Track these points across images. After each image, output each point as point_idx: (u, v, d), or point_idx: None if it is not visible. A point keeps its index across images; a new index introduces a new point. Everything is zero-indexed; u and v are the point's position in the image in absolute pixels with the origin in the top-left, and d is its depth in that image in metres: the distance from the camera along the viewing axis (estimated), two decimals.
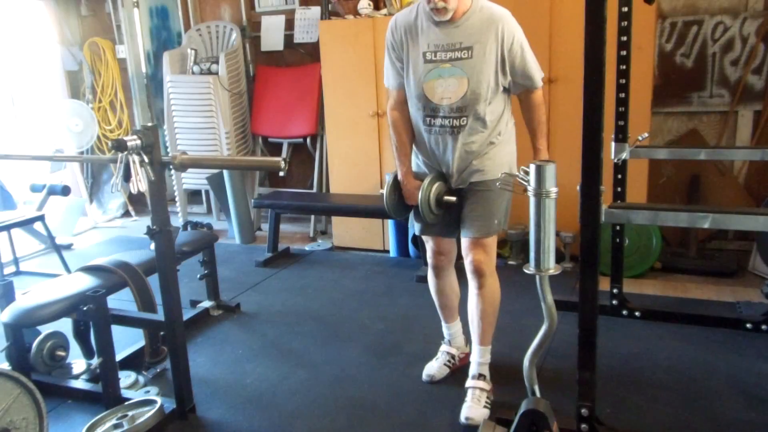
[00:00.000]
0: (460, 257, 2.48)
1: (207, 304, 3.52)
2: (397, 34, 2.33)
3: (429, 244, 2.55)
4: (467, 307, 2.44)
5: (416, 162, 2.49)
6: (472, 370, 2.41)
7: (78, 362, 2.87)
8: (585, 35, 1.78)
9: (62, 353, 2.83)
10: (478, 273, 2.33)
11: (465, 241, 2.36)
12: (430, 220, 2.35)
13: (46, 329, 2.77)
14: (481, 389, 2.35)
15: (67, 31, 5.68)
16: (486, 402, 2.34)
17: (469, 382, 2.38)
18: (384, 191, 2.46)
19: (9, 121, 5.56)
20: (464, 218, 2.37)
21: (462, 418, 2.30)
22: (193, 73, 4.97)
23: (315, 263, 4.38)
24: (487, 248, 2.34)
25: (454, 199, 2.34)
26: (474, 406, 2.31)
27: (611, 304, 3.13)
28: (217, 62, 4.88)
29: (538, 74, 2.29)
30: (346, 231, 4.59)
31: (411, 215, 2.53)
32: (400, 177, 2.44)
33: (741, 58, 3.86)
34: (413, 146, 2.47)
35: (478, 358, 2.39)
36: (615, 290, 3.13)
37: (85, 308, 2.46)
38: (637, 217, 2.05)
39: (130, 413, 2.37)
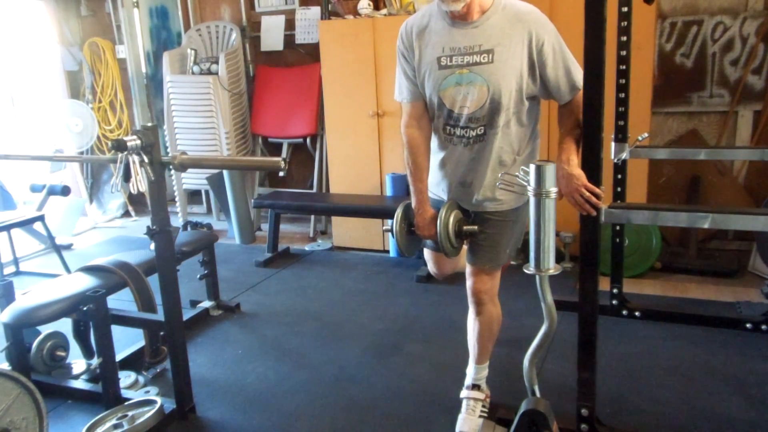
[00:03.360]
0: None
1: (207, 304, 3.52)
2: (407, 40, 2.07)
3: (429, 256, 2.44)
4: (466, 324, 2.37)
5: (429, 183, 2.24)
6: (467, 381, 2.37)
7: (78, 362, 2.87)
8: (585, 35, 1.79)
9: (62, 353, 2.84)
10: (478, 301, 2.22)
11: (469, 267, 2.22)
12: (450, 253, 2.12)
13: (46, 329, 2.78)
14: (476, 399, 2.32)
15: (67, 31, 5.68)
16: (482, 411, 2.31)
17: (463, 393, 2.35)
18: (393, 225, 2.15)
19: (9, 121, 5.56)
20: (473, 243, 2.19)
21: (457, 431, 2.29)
22: (193, 73, 4.97)
23: (315, 263, 4.38)
24: (491, 277, 2.20)
25: (476, 228, 2.11)
26: (468, 418, 2.29)
27: (611, 304, 3.14)
28: (217, 62, 4.88)
29: (575, 80, 1.97)
30: (346, 231, 4.59)
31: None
32: (414, 205, 2.15)
33: (741, 58, 3.86)
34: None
35: (474, 374, 2.35)
36: (615, 290, 3.13)
37: (85, 308, 2.46)
38: (637, 217, 2.05)
39: (130, 413, 2.37)
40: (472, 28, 1.95)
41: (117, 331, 2.58)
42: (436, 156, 2.21)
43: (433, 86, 2.04)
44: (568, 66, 1.97)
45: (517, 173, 1.81)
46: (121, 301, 2.93)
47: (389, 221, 2.15)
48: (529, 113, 2.06)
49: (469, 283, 2.23)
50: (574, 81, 1.98)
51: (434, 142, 2.19)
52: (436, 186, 2.26)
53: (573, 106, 2.01)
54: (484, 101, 1.99)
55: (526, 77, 1.97)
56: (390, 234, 2.18)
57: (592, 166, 1.88)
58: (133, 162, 2.17)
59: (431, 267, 2.49)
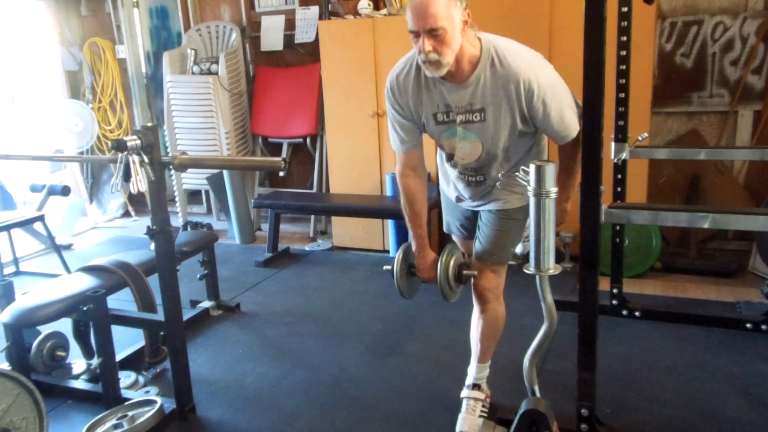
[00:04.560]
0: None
1: (207, 304, 3.52)
2: (399, 97, 2.03)
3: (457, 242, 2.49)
4: (468, 324, 2.38)
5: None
6: (468, 380, 2.37)
7: (78, 362, 2.87)
8: (585, 35, 1.78)
9: (62, 353, 2.84)
10: (483, 299, 2.23)
11: (475, 263, 2.22)
12: (449, 297, 2.16)
13: (46, 329, 2.77)
14: (476, 399, 2.31)
15: (67, 31, 5.68)
16: (482, 411, 2.31)
17: (464, 392, 2.35)
18: (393, 266, 2.17)
19: (9, 121, 5.56)
20: (478, 238, 2.21)
21: (457, 431, 2.29)
22: (193, 73, 4.97)
23: (315, 263, 4.37)
24: (497, 274, 2.21)
25: (475, 272, 2.15)
26: (469, 418, 2.29)
27: (611, 304, 3.13)
28: (217, 62, 4.88)
29: (568, 128, 1.93)
30: (346, 231, 4.59)
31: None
32: (414, 249, 2.18)
33: (741, 58, 3.86)
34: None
35: (475, 373, 2.35)
36: (615, 290, 3.12)
37: (85, 308, 2.46)
38: (637, 217, 2.05)
39: (130, 413, 2.37)
40: (463, 89, 1.92)
41: (117, 331, 2.58)
42: (443, 166, 2.25)
43: (433, 134, 2.06)
44: (562, 115, 1.91)
45: (517, 173, 1.81)
46: (121, 301, 2.93)
47: (390, 265, 2.18)
48: (524, 144, 2.06)
49: (474, 281, 2.23)
50: (567, 131, 1.94)
51: (442, 158, 2.22)
52: (446, 187, 2.30)
53: (570, 145, 2.00)
54: (479, 154, 2.02)
55: (520, 127, 1.94)
56: (390, 274, 2.20)
57: (592, 166, 1.88)
58: (133, 162, 2.17)
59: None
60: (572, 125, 1.93)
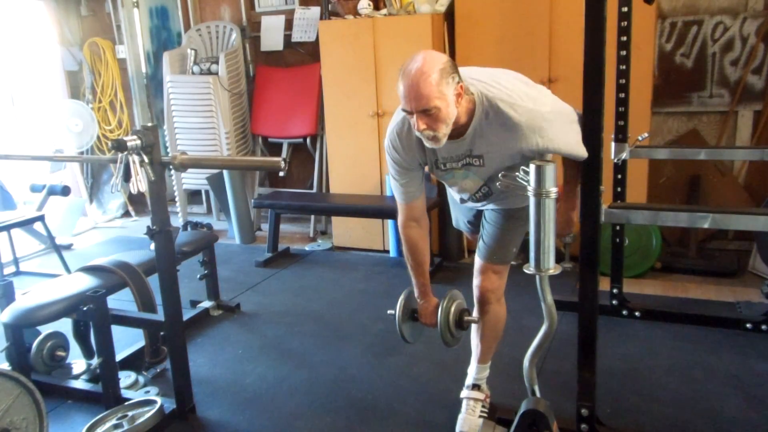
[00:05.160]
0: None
1: (207, 304, 3.52)
2: (400, 153, 2.01)
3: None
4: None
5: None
6: (468, 381, 2.37)
7: (78, 362, 2.87)
8: (585, 35, 1.78)
9: (62, 353, 2.84)
10: (484, 300, 2.23)
11: (478, 262, 2.23)
12: (450, 343, 2.16)
13: (46, 329, 2.77)
14: (476, 399, 2.32)
15: (67, 31, 5.68)
16: (482, 411, 2.31)
17: (463, 393, 2.35)
18: (396, 312, 2.17)
19: (9, 121, 5.56)
20: (482, 237, 2.22)
21: (457, 431, 2.29)
22: (193, 73, 4.97)
23: (315, 263, 4.37)
24: (499, 275, 2.21)
25: (476, 318, 2.20)
26: (468, 418, 2.29)
27: (611, 304, 3.13)
28: (217, 62, 4.87)
29: (580, 152, 1.87)
30: (346, 231, 4.59)
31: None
32: (417, 295, 2.20)
33: (741, 58, 3.86)
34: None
35: (475, 373, 2.35)
36: (615, 290, 3.13)
37: (85, 308, 2.46)
38: (637, 217, 2.05)
39: (130, 413, 2.37)
40: (460, 141, 1.91)
41: (117, 331, 2.58)
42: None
43: (436, 176, 2.10)
44: (570, 146, 1.86)
45: (517, 173, 1.81)
46: (121, 301, 2.93)
47: (393, 310, 2.19)
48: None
49: (476, 281, 2.24)
50: (578, 155, 1.88)
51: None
52: (452, 190, 2.29)
53: (569, 164, 2.02)
54: (479, 186, 2.06)
55: (523, 163, 1.84)
56: (394, 318, 2.20)
57: (592, 166, 1.88)
58: (133, 162, 2.17)
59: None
60: (581, 150, 1.86)
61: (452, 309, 2.13)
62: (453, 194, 2.31)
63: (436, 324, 2.12)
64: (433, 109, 1.73)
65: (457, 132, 1.87)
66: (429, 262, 2.22)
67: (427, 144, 1.86)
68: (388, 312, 2.21)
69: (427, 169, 2.09)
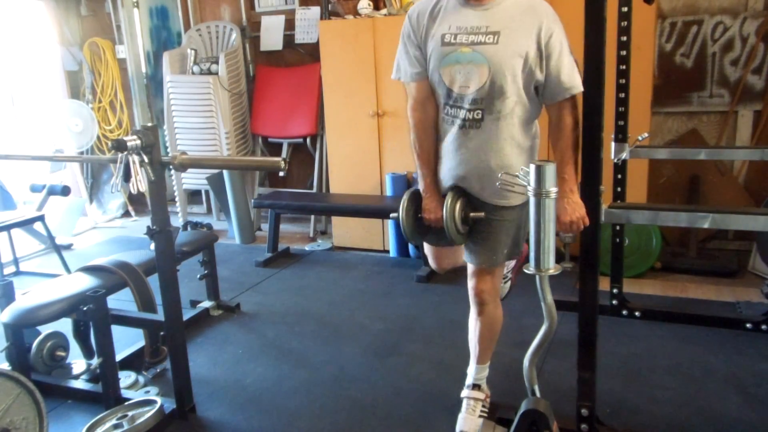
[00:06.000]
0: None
1: (207, 304, 3.52)
2: (416, 21, 2.04)
3: (429, 251, 2.41)
4: (467, 324, 2.36)
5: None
6: (468, 381, 2.37)
7: (78, 362, 2.87)
8: (585, 35, 1.79)
9: (62, 353, 2.84)
10: (480, 301, 2.21)
11: (470, 267, 2.20)
12: (456, 240, 2.10)
13: (46, 329, 2.77)
14: (476, 399, 2.31)
15: (67, 31, 5.68)
16: (482, 411, 2.31)
17: (464, 392, 2.35)
18: (400, 211, 2.12)
19: (9, 121, 5.56)
20: (470, 242, 2.16)
21: (457, 431, 2.29)
22: (193, 73, 4.97)
23: (315, 263, 4.38)
24: (492, 277, 2.19)
25: (482, 214, 2.09)
26: (468, 418, 2.29)
27: (611, 304, 3.14)
28: (217, 62, 4.88)
29: (574, 80, 1.92)
30: (346, 231, 4.59)
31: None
32: (422, 188, 2.14)
33: (741, 58, 3.86)
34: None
35: (474, 374, 2.35)
36: (615, 290, 3.13)
37: (85, 308, 2.46)
38: (637, 217, 2.05)
39: (130, 413, 2.37)
40: (483, 10, 1.94)
41: (117, 331, 2.58)
42: (441, 137, 2.15)
43: (435, 63, 2.02)
44: (572, 65, 1.94)
45: (517, 173, 1.81)
46: (121, 301, 2.93)
47: (396, 213, 2.14)
48: (530, 105, 2.01)
49: (471, 283, 2.22)
50: (574, 82, 1.93)
51: (439, 124, 2.14)
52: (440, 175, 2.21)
53: (562, 119, 1.97)
54: (484, 82, 1.95)
55: (532, 63, 1.93)
56: (397, 220, 2.15)
57: (592, 166, 1.88)
58: (133, 162, 2.17)
59: (432, 262, 2.47)
60: (578, 78, 1.93)
61: (458, 204, 2.06)
62: (444, 128, 2.11)
63: (441, 219, 2.07)
64: None
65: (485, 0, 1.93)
66: (435, 152, 2.14)
67: None
68: (391, 215, 2.17)
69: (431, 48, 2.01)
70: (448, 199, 2.06)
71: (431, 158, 2.13)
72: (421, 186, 2.15)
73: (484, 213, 2.11)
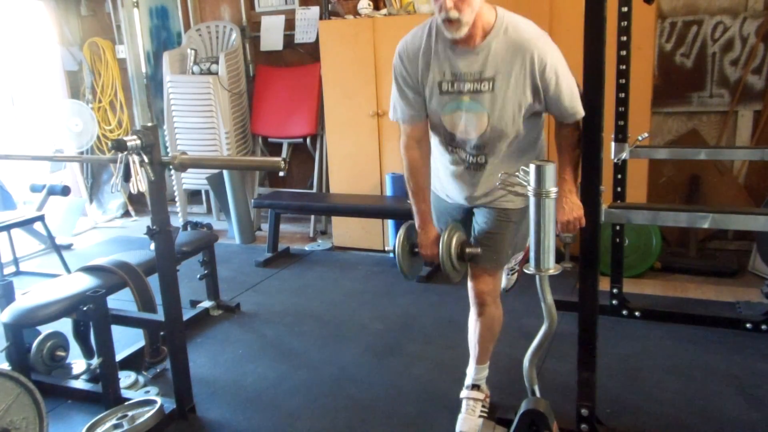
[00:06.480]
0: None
1: (207, 304, 3.52)
2: (407, 63, 2.00)
3: None
4: (467, 324, 2.36)
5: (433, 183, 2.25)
6: (467, 381, 2.37)
7: (78, 362, 2.87)
8: (585, 35, 1.79)
9: (62, 353, 2.84)
10: (480, 302, 2.22)
11: (472, 268, 2.20)
12: (452, 276, 2.11)
13: (46, 329, 2.77)
14: (475, 399, 2.32)
15: (67, 31, 5.68)
16: (482, 411, 2.31)
17: (463, 393, 2.35)
18: (395, 246, 2.12)
19: (9, 121, 5.56)
20: (474, 241, 2.17)
21: (457, 431, 2.29)
22: (193, 73, 4.97)
23: (315, 263, 4.38)
24: (494, 277, 2.19)
25: (478, 250, 2.11)
26: (468, 418, 2.29)
27: (611, 304, 3.14)
28: (217, 62, 4.87)
29: (576, 106, 1.92)
30: (346, 231, 4.59)
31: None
32: (417, 225, 2.14)
33: (741, 58, 3.86)
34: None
35: (474, 374, 2.35)
36: (615, 290, 3.13)
37: (85, 308, 2.46)
38: (637, 217, 2.05)
39: (130, 413, 2.37)
40: (473, 55, 1.91)
41: (117, 331, 2.58)
42: (437, 161, 2.19)
43: (435, 109, 2.02)
44: (572, 91, 1.92)
45: (517, 173, 1.81)
46: (121, 301, 2.93)
47: (392, 243, 2.15)
48: (531, 132, 2.03)
49: (471, 284, 2.22)
50: (576, 109, 1.92)
51: (437, 149, 2.16)
52: (441, 189, 2.25)
53: (566, 134, 1.99)
54: (484, 129, 1.96)
55: (530, 101, 1.93)
56: (393, 255, 2.16)
57: (592, 165, 1.88)
58: (133, 162, 2.17)
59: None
60: (579, 103, 1.92)
61: (453, 240, 2.07)
62: (443, 174, 2.18)
63: (437, 255, 2.07)
64: None
65: (473, 41, 1.89)
66: (430, 188, 2.16)
67: (447, 32, 1.85)
68: (387, 248, 2.18)
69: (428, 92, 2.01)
70: (444, 235, 2.06)
71: (426, 194, 2.14)
72: (416, 222, 2.15)
73: (490, 214, 2.12)
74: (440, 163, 2.19)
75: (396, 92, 2.07)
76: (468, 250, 2.10)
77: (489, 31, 1.89)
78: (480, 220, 2.17)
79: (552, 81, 1.88)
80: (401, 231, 2.15)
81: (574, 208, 1.94)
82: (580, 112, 1.92)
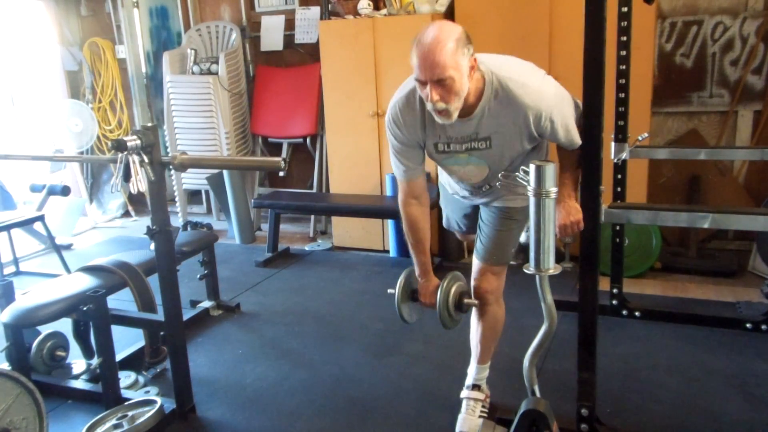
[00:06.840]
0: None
1: (207, 304, 3.52)
2: (401, 127, 1.99)
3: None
4: (469, 323, 2.37)
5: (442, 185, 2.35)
6: (468, 381, 2.37)
7: (78, 362, 2.87)
8: (585, 35, 1.79)
9: (62, 353, 2.84)
10: (483, 301, 2.22)
11: (476, 263, 2.22)
12: (448, 325, 2.13)
13: (46, 329, 2.77)
14: (476, 399, 2.32)
15: (67, 31, 5.68)
16: (482, 411, 2.31)
17: (463, 393, 2.35)
18: (396, 292, 2.16)
19: (9, 121, 5.56)
20: (479, 237, 2.21)
21: (457, 431, 2.29)
22: (193, 73, 4.97)
23: (315, 263, 4.37)
24: (497, 276, 2.21)
25: (476, 302, 2.17)
26: (468, 418, 2.29)
27: (611, 304, 3.13)
28: (217, 62, 4.87)
29: (573, 141, 1.93)
30: (346, 231, 4.59)
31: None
32: (417, 274, 2.17)
33: (741, 58, 3.86)
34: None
35: (475, 374, 2.35)
36: (615, 290, 3.13)
37: (85, 308, 2.46)
38: (637, 217, 2.05)
39: (130, 413, 2.37)
40: (467, 122, 1.90)
41: (117, 331, 2.58)
42: (443, 177, 2.28)
43: (434, 159, 2.07)
44: (567, 129, 1.91)
45: (517, 173, 1.81)
46: (121, 301, 2.93)
47: (393, 289, 2.17)
48: (533, 154, 2.04)
49: (475, 283, 2.23)
50: (574, 142, 1.93)
51: (443, 175, 2.24)
52: (447, 186, 2.31)
53: (566, 155, 2.01)
54: (485, 175, 2.03)
55: (527, 146, 1.95)
56: (393, 297, 2.18)
57: (592, 166, 1.88)
58: (133, 162, 2.17)
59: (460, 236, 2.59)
60: (577, 135, 1.93)
61: (452, 290, 2.10)
62: (450, 186, 2.29)
63: (436, 304, 2.09)
64: (448, 79, 1.72)
65: (465, 111, 1.86)
66: (429, 240, 2.17)
67: (438, 119, 1.83)
68: (388, 291, 2.19)
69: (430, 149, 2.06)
70: (443, 285, 2.09)
71: (426, 247, 2.15)
72: (417, 272, 2.16)
73: (494, 212, 2.17)
74: (447, 183, 2.30)
75: (393, 152, 2.06)
76: (466, 300, 2.13)
77: (480, 96, 1.86)
78: (485, 218, 2.21)
79: (548, 128, 1.88)
80: (401, 277, 2.17)
81: (572, 212, 1.95)
82: (578, 143, 1.93)
